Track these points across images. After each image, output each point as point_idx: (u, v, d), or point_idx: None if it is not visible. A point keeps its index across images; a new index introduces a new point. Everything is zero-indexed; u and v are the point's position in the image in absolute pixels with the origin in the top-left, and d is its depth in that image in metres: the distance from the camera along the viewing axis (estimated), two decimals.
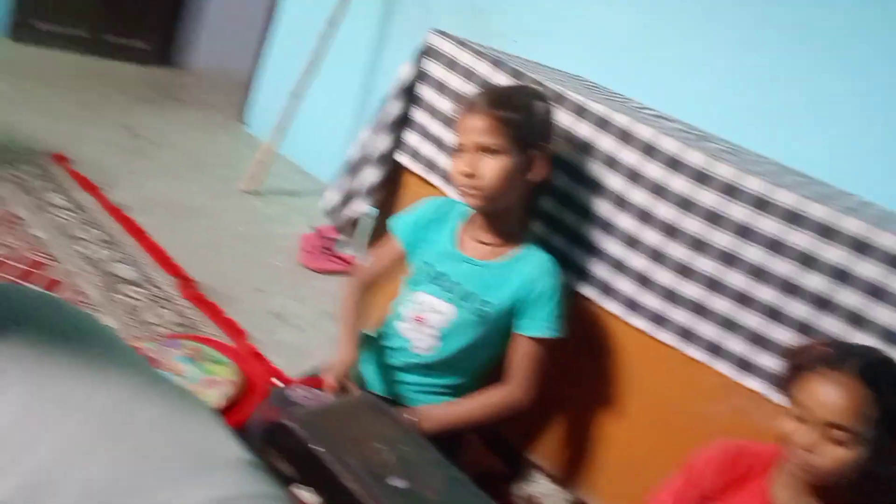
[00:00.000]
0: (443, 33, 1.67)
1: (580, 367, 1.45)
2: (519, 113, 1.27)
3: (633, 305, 1.36)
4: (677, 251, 1.30)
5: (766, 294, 1.23)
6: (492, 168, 1.25)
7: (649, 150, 1.34)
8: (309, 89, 2.91)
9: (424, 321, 1.35)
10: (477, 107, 1.27)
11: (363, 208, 1.90)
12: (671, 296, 1.31)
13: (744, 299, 1.25)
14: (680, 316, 1.31)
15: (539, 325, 1.31)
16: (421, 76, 1.71)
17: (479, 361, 1.38)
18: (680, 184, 1.29)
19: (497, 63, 1.56)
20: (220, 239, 2.41)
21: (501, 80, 1.53)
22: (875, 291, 1.15)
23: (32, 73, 3.14)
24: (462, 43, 1.63)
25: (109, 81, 3.46)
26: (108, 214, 2.25)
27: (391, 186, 1.86)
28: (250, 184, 2.86)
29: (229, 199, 2.74)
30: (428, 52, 1.68)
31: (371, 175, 1.83)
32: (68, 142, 2.62)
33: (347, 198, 1.93)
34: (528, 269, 1.31)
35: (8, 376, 0.57)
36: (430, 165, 1.72)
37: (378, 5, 2.99)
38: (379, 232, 1.96)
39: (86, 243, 2.06)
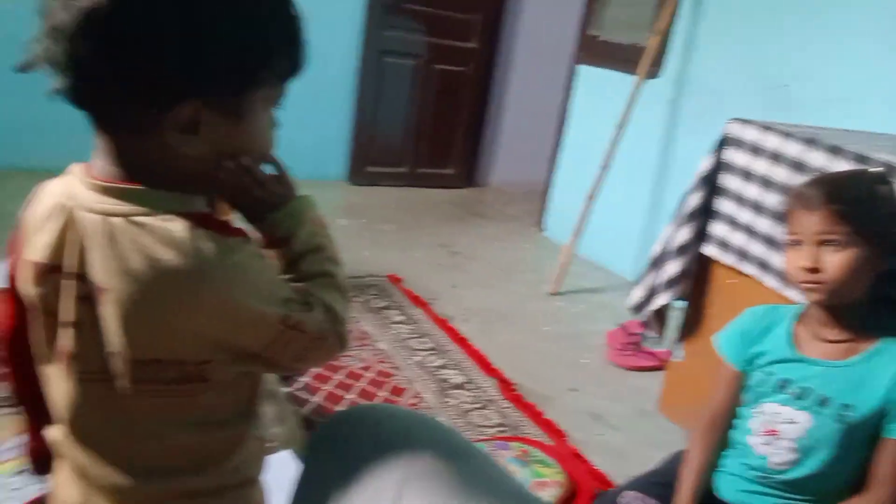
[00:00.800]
0: (744, 121, 1.65)
1: None
2: (861, 204, 1.17)
3: None
4: None
5: None
6: (836, 261, 1.15)
7: None
8: (601, 190, 3.01)
9: (778, 434, 1.24)
10: (813, 201, 1.18)
11: (667, 300, 1.89)
12: None
13: None
14: None
15: None
16: (723, 166, 1.69)
17: (842, 472, 1.23)
18: None
19: (811, 141, 1.48)
20: (532, 340, 2.54)
21: (817, 158, 1.45)
22: None
23: (366, 209, 3.72)
24: (767, 127, 1.59)
25: (426, 207, 3.95)
26: (436, 325, 2.52)
27: (699, 278, 1.83)
28: (554, 286, 2.99)
29: (537, 302, 2.90)
30: (729, 141, 1.67)
31: (673, 267, 1.82)
32: (399, 264, 3.02)
33: (651, 292, 1.93)
34: (895, 366, 1.19)
35: (412, 487, 0.68)
36: (742, 255, 1.66)
37: (666, 99, 3.03)
38: (689, 325, 1.91)
39: (420, 353, 2.32)
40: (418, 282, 2.86)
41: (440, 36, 4.06)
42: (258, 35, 0.68)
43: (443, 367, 2.26)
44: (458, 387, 2.14)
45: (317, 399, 1.94)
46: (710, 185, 1.74)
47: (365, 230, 3.40)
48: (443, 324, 2.53)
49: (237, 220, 0.79)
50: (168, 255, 0.66)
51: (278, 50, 0.71)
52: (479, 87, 4.29)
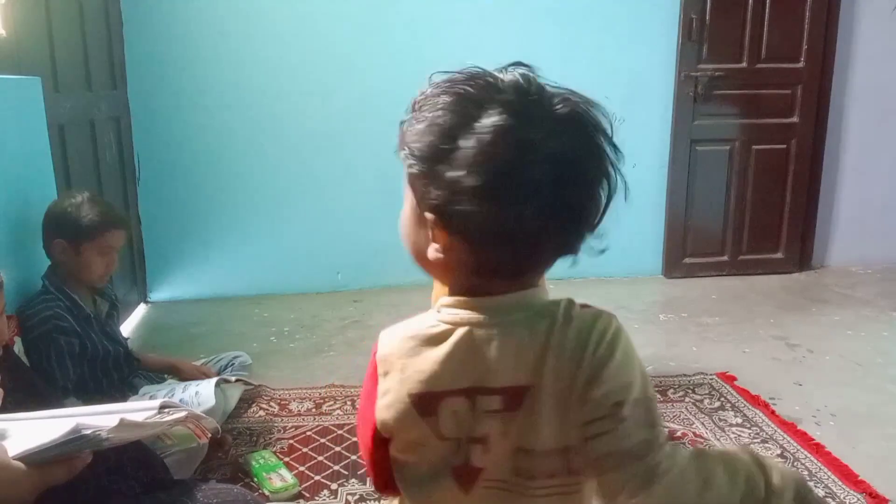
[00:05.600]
0: None
1: None
2: None
3: None
4: None
5: None
6: None
7: None
8: None
9: None
10: None
11: None
12: None
13: None
14: None
15: None
16: None
17: None
18: None
19: None
20: None
21: None
22: None
23: (688, 302, 3.53)
24: None
25: (752, 296, 3.63)
26: (780, 429, 2.25)
27: None
28: None
29: None
30: None
31: None
32: (730, 360, 2.79)
33: None
34: None
35: None
36: None
37: None
38: None
39: None
40: (755, 379, 2.61)
41: (756, 116, 3.84)
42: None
43: None
44: None
45: None
46: None
47: (689, 324, 3.23)
48: (790, 428, 2.25)
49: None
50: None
51: None
52: (805, 163, 3.93)
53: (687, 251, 3.93)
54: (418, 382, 0.74)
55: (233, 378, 2.33)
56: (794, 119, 3.88)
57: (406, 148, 0.73)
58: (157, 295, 3.66)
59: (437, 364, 0.74)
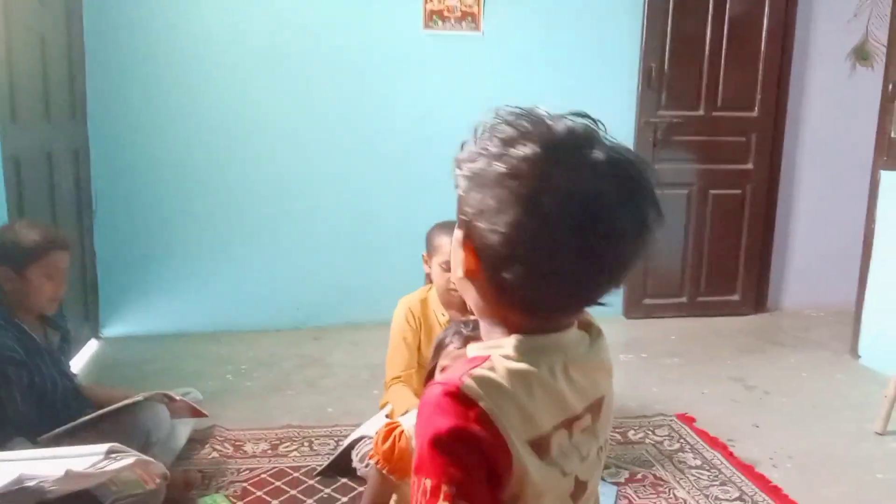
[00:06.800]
0: None
1: None
2: None
3: None
4: None
5: None
6: None
7: None
8: None
9: None
10: None
11: None
12: None
13: None
14: None
15: None
16: None
17: None
18: None
19: None
20: (865, 490, 2.15)
21: None
22: None
23: (648, 343, 3.56)
24: None
25: (711, 338, 3.68)
26: (738, 471, 2.26)
27: None
28: (882, 423, 2.54)
29: (863, 444, 2.48)
30: None
31: None
32: (688, 401, 2.81)
33: None
34: None
35: None
36: None
37: None
38: None
39: (723, 502, 2.09)
40: (713, 421, 2.63)
41: (713, 162, 3.94)
42: None
43: None
44: None
45: None
46: None
47: (649, 365, 3.26)
48: (748, 470, 2.27)
49: None
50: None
51: None
52: (760, 208, 4.03)
53: (647, 292, 3.98)
54: (531, 426, 0.71)
55: (178, 395, 2.21)
56: (749, 165, 3.99)
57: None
58: (110, 330, 3.56)
59: (539, 403, 0.72)
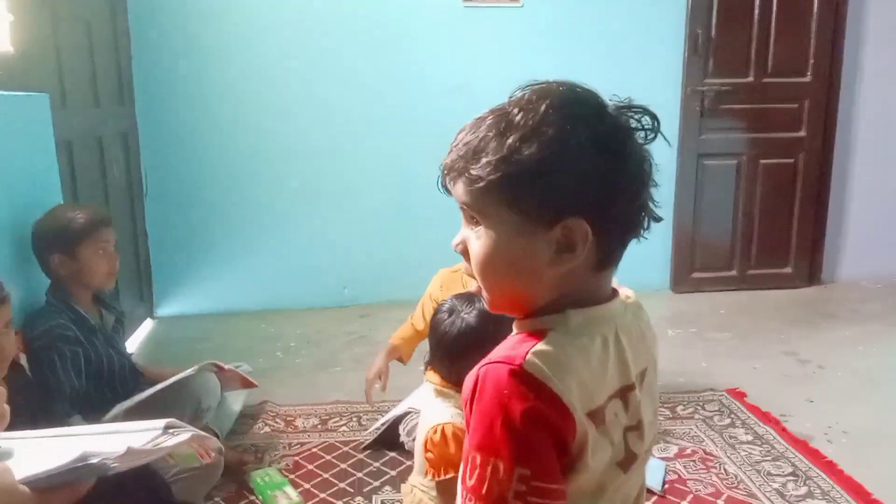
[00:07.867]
0: None
1: None
2: None
3: None
4: None
5: None
6: None
7: None
8: None
9: None
10: None
11: None
12: None
13: None
14: None
15: None
16: None
17: None
18: None
19: None
20: None
21: None
22: None
23: (696, 317, 3.50)
24: None
25: (761, 311, 3.60)
26: (792, 446, 2.22)
27: None
28: None
29: None
30: None
31: None
32: (739, 376, 2.76)
33: None
34: None
35: None
36: None
37: None
38: None
39: (777, 478, 2.05)
40: (765, 395, 2.58)
41: (763, 130, 3.83)
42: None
43: (807, 495, 1.96)
44: None
45: None
46: None
47: (697, 340, 3.20)
48: (802, 445, 2.22)
49: None
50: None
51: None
52: (813, 177, 3.91)
53: (695, 266, 3.91)
54: (590, 399, 0.72)
55: (228, 365, 2.22)
56: (802, 133, 3.86)
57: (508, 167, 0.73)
58: (164, 310, 3.66)
59: (596, 376, 0.74)
